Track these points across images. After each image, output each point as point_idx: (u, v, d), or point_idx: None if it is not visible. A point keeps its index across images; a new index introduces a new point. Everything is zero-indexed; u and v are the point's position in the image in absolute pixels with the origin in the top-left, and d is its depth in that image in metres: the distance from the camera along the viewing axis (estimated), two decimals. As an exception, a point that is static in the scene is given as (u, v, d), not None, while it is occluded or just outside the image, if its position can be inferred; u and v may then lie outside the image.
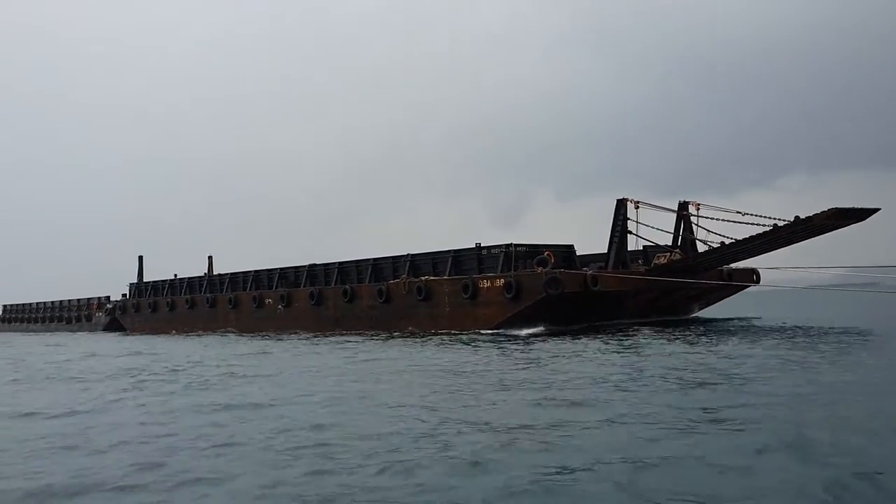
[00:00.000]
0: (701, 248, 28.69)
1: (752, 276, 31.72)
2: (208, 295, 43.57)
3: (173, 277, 51.08)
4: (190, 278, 47.69)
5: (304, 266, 37.87)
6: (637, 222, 28.31)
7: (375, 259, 33.85)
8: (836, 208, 23.16)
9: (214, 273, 48.69)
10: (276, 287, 39.10)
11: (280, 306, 37.76)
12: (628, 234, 28.44)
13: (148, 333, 46.32)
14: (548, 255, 27.88)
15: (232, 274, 43.31)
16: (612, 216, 28.48)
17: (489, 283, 27.61)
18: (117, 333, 50.12)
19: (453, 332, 27.67)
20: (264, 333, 36.01)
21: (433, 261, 30.95)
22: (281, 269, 39.55)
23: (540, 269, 26.65)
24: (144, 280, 54.61)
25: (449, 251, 30.23)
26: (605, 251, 30.02)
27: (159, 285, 50.51)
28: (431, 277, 30.19)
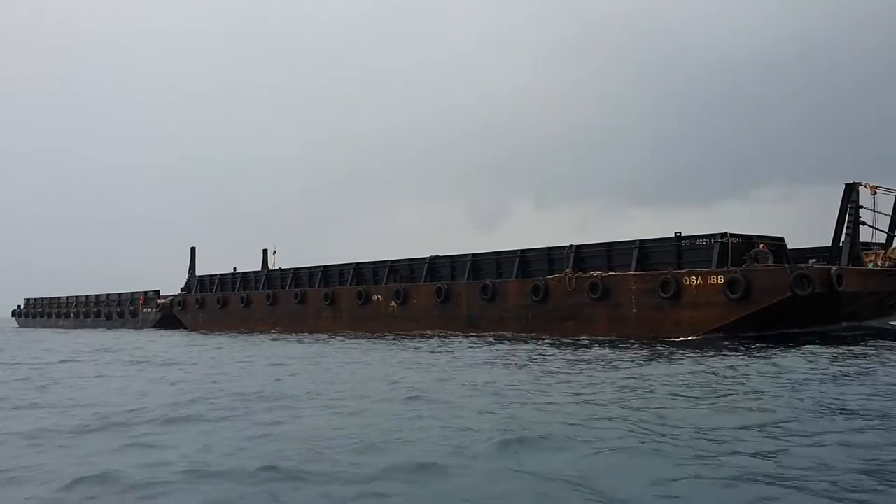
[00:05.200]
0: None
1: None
2: (297, 290, 38.81)
3: (233, 270, 46.40)
4: (269, 271, 42.96)
5: (424, 258, 33.19)
6: (874, 211, 23.82)
7: (523, 251, 29.20)
8: None
9: (275, 267, 44.06)
10: (386, 282, 34.41)
11: (394, 303, 33.08)
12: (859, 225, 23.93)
13: (215, 332, 41.56)
14: (763, 247, 23.45)
15: (325, 266, 38.59)
16: (840, 202, 23.97)
17: (700, 281, 23.04)
18: (173, 332, 45.23)
19: (648, 338, 23.16)
20: (372, 335, 31.41)
21: (608, 253, 26.34)
22: (392, 261, 34.84)
23: (773, 264, 22.21)
24: (197, 273, 49.96)
25: (633, 241, 25.64)
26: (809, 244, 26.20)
27: (227, 279, 45.72)
28: (609, 273, 25.60)
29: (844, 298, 22.60)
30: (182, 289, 49.67)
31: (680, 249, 24.33)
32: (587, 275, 25.99)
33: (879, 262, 24.86)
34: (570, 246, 27.33)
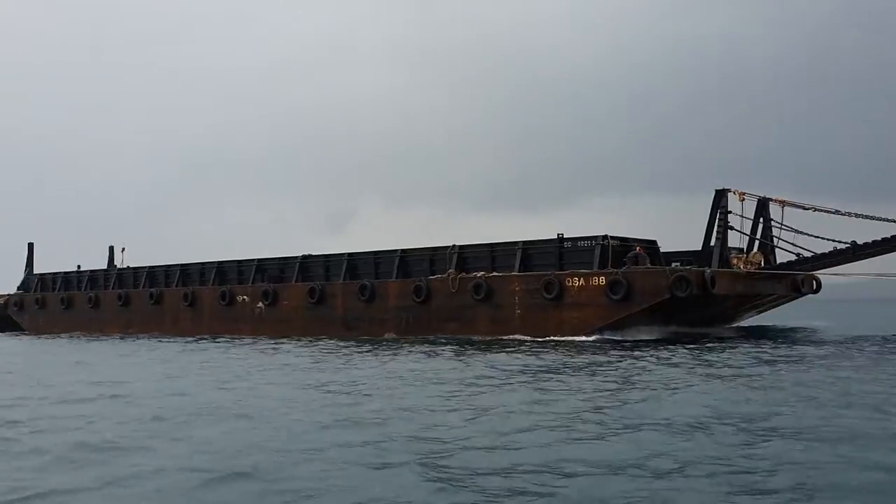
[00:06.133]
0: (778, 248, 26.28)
1: (812, 284, 29.17)
2: (152, 290, 35.78)
3: (78, 269, 42.34)
4: (120, 270, 39.44)
5: (296, 257, 31.43)
6: (741, 216, 24.88)
7: (404, 251, 28.24)
8: None
9: (125, 265, 40.67)
10: (253, 282, 32.34)
11: (261, 304, 31.12)
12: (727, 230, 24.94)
13: (58, 334, 37.61)
14: (639, 250, 23.88)
15: (183, 265, 35.83)
16: (710, 208, 24.87)
17: (582, 282, 23.07)
18: (7, 334, 40.54)
19: (533, 339, 22.90)
20: (237, 337, 29.40)
21: (491, 254, 25.93)
22: (259, 260, 32.81)
23: (649, 265, 22.65)
24: (35, 271, 45.18)
25: (516, 242, 25.38)
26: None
27: (72, 277, 41.60)
28: (493, 273, 25.18)
29: (716, 300, 23.39)
30: (19, 288, 44.78)
31: (562, 251, 24.33)
32: (470, 275, 25.47)
33: (742, 266, 26.04)
34: (454, 246, 26.71)
